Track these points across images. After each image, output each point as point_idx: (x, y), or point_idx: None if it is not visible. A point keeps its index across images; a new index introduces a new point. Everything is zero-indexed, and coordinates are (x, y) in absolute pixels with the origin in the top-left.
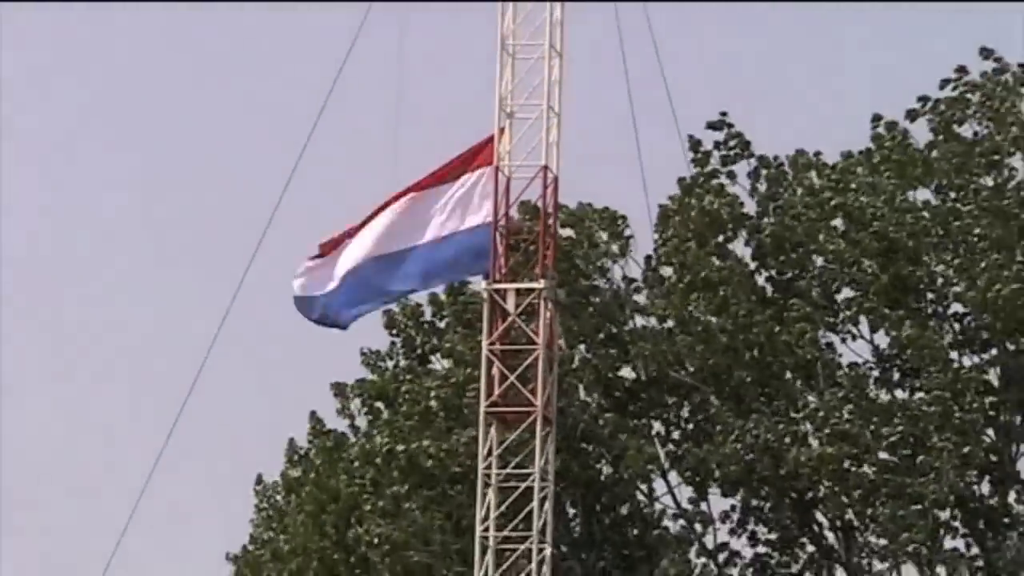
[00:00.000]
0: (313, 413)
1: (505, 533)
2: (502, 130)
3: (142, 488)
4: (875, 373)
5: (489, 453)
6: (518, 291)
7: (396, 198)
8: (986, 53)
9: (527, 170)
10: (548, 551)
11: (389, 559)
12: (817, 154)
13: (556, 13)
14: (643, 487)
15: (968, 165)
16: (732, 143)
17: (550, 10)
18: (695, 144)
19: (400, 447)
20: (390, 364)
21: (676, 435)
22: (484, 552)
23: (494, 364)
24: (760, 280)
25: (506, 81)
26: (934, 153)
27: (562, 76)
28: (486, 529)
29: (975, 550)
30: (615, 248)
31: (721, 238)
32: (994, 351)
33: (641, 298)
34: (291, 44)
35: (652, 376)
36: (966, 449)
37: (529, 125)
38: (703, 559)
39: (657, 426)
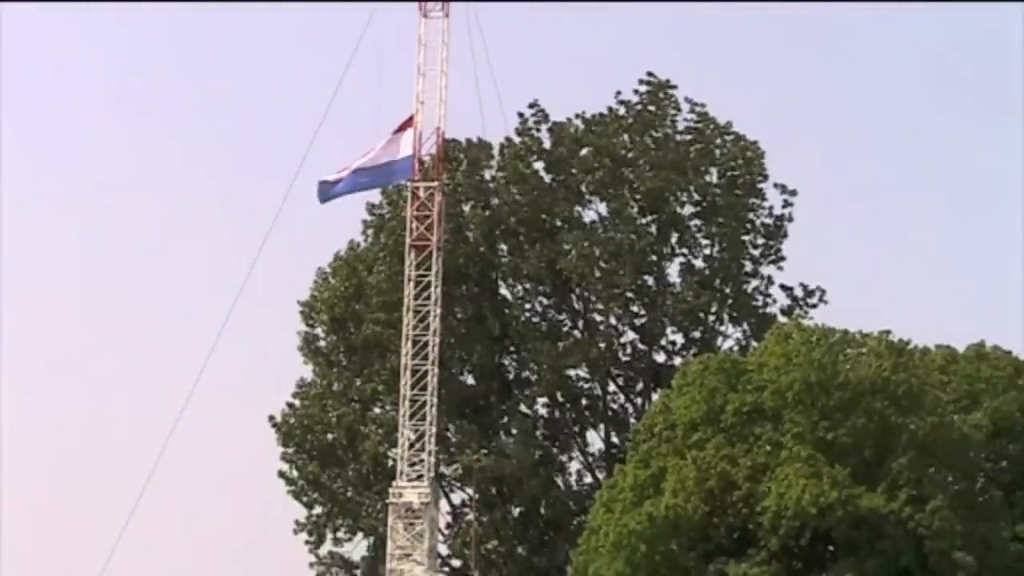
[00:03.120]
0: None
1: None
2: (415, 113)
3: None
4: None
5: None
6: (425, 186)
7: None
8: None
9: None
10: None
11: None
12: None
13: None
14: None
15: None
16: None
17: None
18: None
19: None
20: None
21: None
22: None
23: (414, 221)
24: None
25: (419, 84)
26: None
27: (447, 80)
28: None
29: None
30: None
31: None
32: None
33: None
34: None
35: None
36: None
37: (431, 108)
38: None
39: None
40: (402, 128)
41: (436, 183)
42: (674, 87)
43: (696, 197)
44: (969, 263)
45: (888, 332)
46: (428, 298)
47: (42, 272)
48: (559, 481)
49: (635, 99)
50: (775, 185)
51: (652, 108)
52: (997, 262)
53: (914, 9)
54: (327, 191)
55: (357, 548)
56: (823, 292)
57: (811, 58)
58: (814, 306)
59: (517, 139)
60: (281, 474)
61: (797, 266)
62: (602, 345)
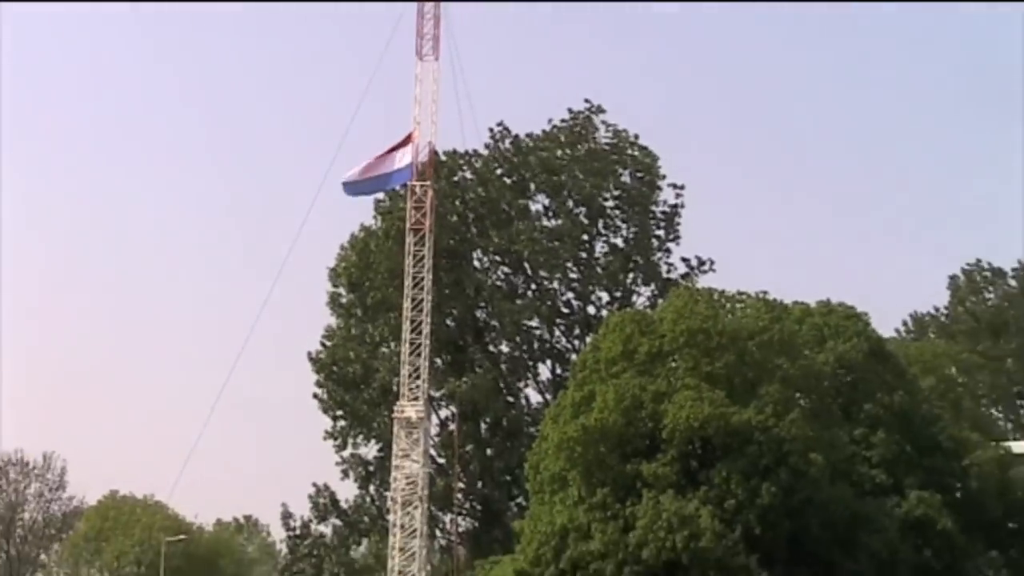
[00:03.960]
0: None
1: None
2: (414, 130)
3: None
4: None
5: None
6: (421, 185)
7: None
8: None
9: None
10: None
11: None
12: None
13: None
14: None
15: None
16: None
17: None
18: None
19: None
20: None
21: None
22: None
23: (412, 210)
24: None
25: (416, 109)
26: None
27: (436, 107)
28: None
29: None
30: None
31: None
32: None
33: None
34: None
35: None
36: None
37: (425, 126)
38: None
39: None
40: (400, 145)
41: (429, 182)
42: (603, 111)
43: (615, 193)
44: (816, 240)
45: (764, 292)
46: (422, 267)
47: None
48: (519, 400)
49: (568, 120)
50: (670, 185)
51: (578, 128)
52: (836, 238)
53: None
54: (350, 189)
55: (370, 451)
56: (712, 262)
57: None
58: (705, 272)
59: (484, 151)
60: (315, 396)
61: (695, 242)
62: (548, 303)
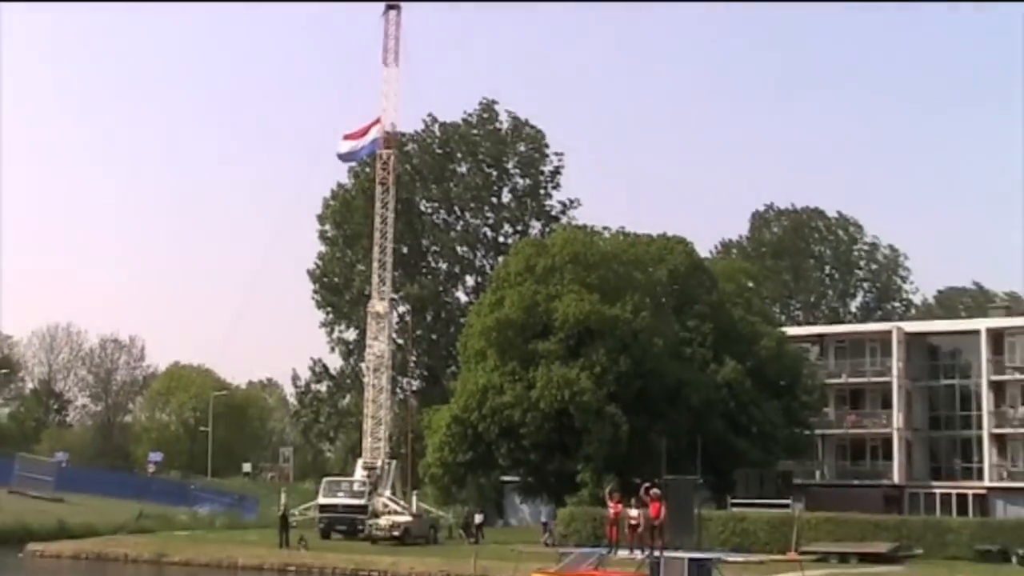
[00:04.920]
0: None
1: None
2: (382, 115)
3: None
4: None
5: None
6: (386, 152)
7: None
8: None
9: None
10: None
11: None
12: None
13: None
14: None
15: None
16: None
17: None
18: None
19: None
20: None
21: None
22: None
23: (380, 169)
24: None
25: (383, 102)
26: None
27: (398, 101)
28: None
29: None
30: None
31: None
32: None
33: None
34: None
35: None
36: None
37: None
38: None
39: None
40: (371, 125)
41: (391, 150)
42: (496, 102)
43: (515, 160)
44: (656, 188)
45: (623, 227)
46: (386, 209)
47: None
48: (453, 300)
49: (479, 108)
50: (555, 153)
51: (486, 116)
52: (670, 186)
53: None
54: (344, 157)
55: (350, 335)
56: (580, 201)
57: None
58: (575, 208)
59: (424, 130)
60: (312, 298)
61: (572, 188)
62: (471, 234)
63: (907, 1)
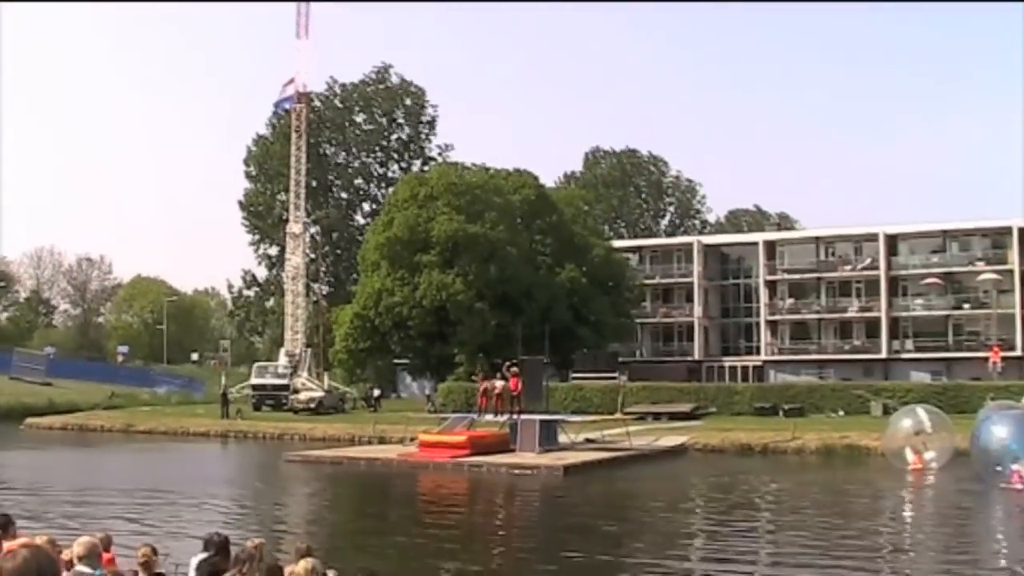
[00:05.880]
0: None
1: None
2: (295, 76)
3: None
4: None
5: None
6: (299, 106)
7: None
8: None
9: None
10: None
11: None
12: None
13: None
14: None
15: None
16: None
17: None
18: None
19: None
20: None
21: None
22: None
23: (295, 119)
24: None
25: (296, 65)
26: None
27: (308, 65)
28: None
29: None
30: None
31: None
32: None
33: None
34: None
35: None
36: None
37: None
38: None
39: None
40: (289, 83)
41: (302, 104)
42: (391, 66)
43: (403, 111)
44: (511, 131)
45: (484, 162)
46: (299, 151)
47: None
48: (354, 222)
49: (373, 71)
50: (432, 106)
51: (379, 77)
52: (521, 128)
53: None
54: (275, 107)
55: (273, 251)
56: (453, 146)
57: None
58: (451, 151)
59: (327, 88)
60: (243, 224)
61: (448, 134)
62: (367, 170)
63: None
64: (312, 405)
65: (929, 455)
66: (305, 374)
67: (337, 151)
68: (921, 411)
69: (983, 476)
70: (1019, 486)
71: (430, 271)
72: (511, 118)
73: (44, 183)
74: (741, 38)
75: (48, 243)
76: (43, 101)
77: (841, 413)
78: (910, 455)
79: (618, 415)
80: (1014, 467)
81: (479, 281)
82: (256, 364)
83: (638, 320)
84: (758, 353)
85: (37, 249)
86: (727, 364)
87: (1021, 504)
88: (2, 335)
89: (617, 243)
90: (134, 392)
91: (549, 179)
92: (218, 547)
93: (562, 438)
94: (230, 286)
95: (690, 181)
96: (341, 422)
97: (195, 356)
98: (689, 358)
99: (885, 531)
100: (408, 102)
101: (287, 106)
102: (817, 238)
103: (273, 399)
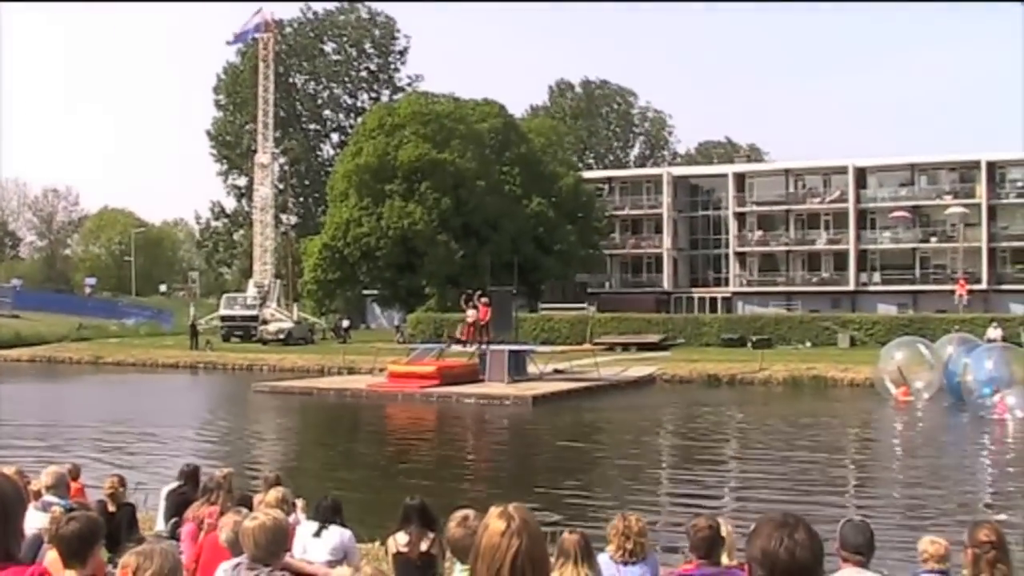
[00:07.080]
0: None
1: None
2: (261, 9)
3: None
4: None
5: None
6: (267, 35)
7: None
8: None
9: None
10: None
11: None
12: None
13: None
14: None
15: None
16: None
17: None
18: None
19: None
20: None
21: None
22: None
23: (263, 48)
24: None
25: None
26: None
27: None
28: None
29: None
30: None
31: None
32: None
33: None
34: None
35: None
36: None
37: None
38: None
39: None
40: (255, 15)
41: (270, 33)
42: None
43: (372, 43)
44: (483, 62)
45: (453, 91)
46: (268, 80)
47: None
48: (322, 153)
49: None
50: (404, 36)
51: (348, 6)
52: (492, 61)
53: None
54: (234, 40)
55: (242, 182)
56: (422, 76)
57: None
58: (420, 81)
59: (298, 20)
60: (211, 154)
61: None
62: (336, 100)
63: None
64: (281, 336)
65: (918, 384)
66: (274, 305)
67: (307, 81)
68: (920, 345)
69: (967, 406)
70: (1003, 416)
71: (392, 200)
72: (479, 49)
73: (6, 112)
74: None
75: (12, 174)
76: (2, 24)
77: (808, 345)
78: (892, 387)
79: (587, 346)
80: (997, 398)
81: (440, 210)
82: (225, 295)
83: (607, 252)
84: (727, 285)
85: (2, 180)
86: (696, 295)
87: (1004, 434)
88: None
89: (587, 174)
90: (102, 324)
91: (518, 110)
92: (187, 477)
93: (531, 368)
94: (198, 217)
95: (659, 112)
96: (310, 353)
97: (163, 288)
98: (658, 289)
99: (863, 461)
100: (377, 32)
101: (253, 35)
102: (787, 170)
103: (242, 330)
